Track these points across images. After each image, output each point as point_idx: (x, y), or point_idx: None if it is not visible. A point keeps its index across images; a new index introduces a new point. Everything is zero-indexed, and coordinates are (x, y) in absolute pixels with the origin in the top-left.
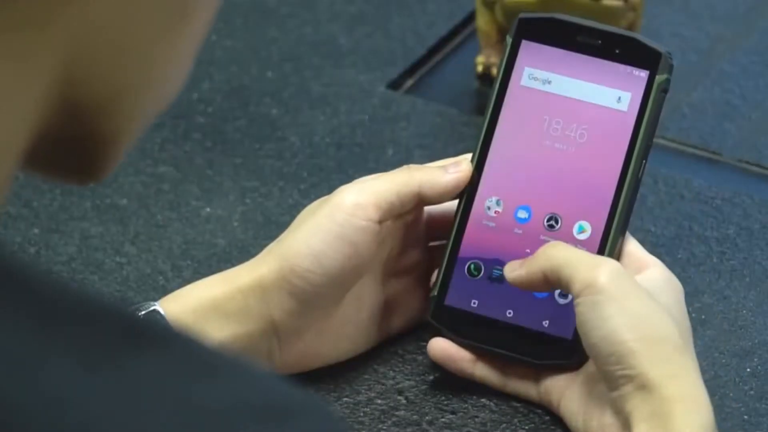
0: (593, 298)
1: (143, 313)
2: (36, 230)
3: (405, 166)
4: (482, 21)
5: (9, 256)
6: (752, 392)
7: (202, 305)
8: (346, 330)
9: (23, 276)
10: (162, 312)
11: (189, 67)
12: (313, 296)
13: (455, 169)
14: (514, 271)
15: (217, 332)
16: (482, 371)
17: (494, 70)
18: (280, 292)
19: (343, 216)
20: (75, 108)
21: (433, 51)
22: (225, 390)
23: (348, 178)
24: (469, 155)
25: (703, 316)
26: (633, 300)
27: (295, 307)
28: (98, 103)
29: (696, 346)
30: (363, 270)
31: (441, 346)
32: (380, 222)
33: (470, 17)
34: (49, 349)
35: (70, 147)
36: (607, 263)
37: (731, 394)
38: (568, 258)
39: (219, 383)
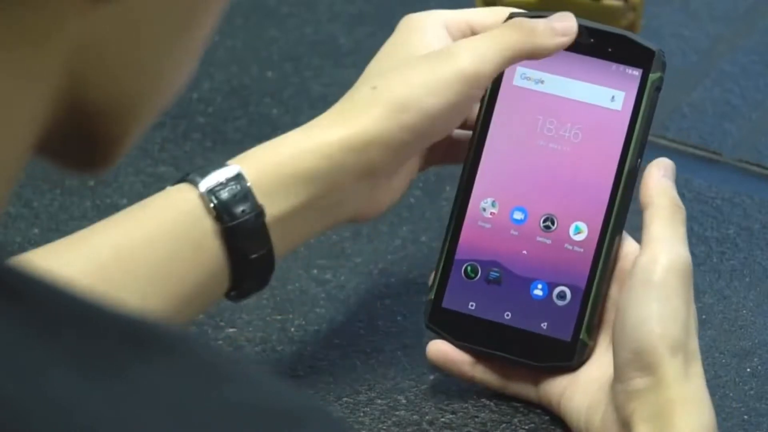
0: (648, 276)
1: (228, 177)
2: (36, 230)
3: (516, 22)
4: None
5: (11, 260)
6: (752, 392)
7: (285, 165)
8: (411, 165)
9: (26, 280)
10: (244, 174)
11: (193, 68)
12: (416, 150)
13: (563, 30)
14: (653, 176)
15: (306, 192)
16: (481, 374)
17: None
18: (388, 147)
19: (464, 88)
20: (82, 112)
21: None
22: (230, 395)
23: None
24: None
25: (703, 316)
26: (676, 297)
27: (395, 159)
28: (104, 109)
29: None
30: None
31: (440, 349)
32: None
33: None
34: (52, 354)
35: (76, 143)
36: (678, 251)
37: (731, 394)
38: (661, 223)
39: (224, 388)
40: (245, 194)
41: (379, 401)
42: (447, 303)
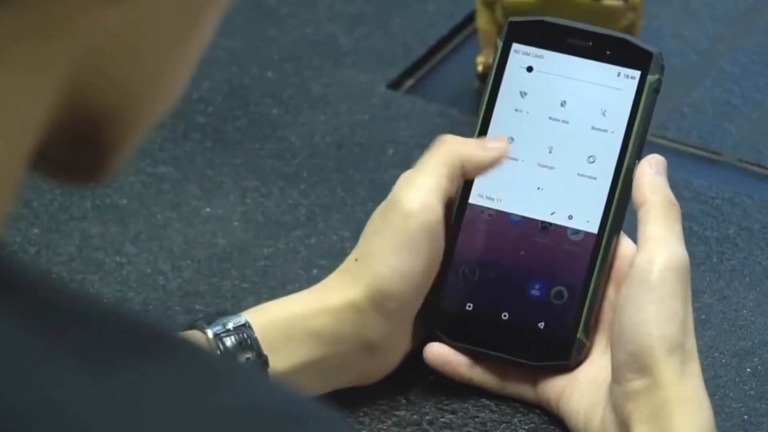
0: (645, 277)
1: (235, 325)
2: (36, 230)
3: (442, 141)
4: (482, 21)
5: (14, 262)
6: (752, 392)
7: (293, 323)
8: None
9: (28, 279)
10: (251, 324)
11: (193, 69)
12: (407, 312)
13: (495, 145)
14: (646, 173)
15: (309, 352)
16: (479, 375)
17: None
18: (376, 316)
19: (416, 224)
20: (84, 113)
21: (433, 51)
22: (231, 396)
23: (348, 178)
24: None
25: (703, 316)
26: (674, 297)
27: (390, 327)
28: (108, 109)
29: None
30: (439, 261)
31: (437, 351)
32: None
33: (470, 17)
34: (53, 354)
35: (76, 149)
36: (675, 250)
37: (731, 394)
38: (656, 221)
39: (225, 389)
40: (251, 343)
41: (379, 401)
42: (444, 304)
